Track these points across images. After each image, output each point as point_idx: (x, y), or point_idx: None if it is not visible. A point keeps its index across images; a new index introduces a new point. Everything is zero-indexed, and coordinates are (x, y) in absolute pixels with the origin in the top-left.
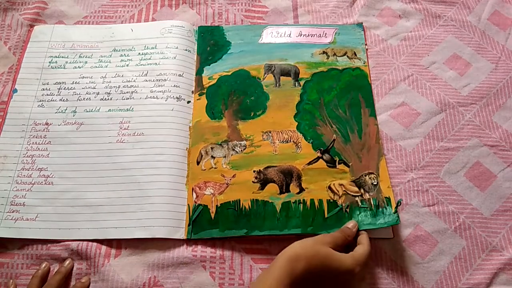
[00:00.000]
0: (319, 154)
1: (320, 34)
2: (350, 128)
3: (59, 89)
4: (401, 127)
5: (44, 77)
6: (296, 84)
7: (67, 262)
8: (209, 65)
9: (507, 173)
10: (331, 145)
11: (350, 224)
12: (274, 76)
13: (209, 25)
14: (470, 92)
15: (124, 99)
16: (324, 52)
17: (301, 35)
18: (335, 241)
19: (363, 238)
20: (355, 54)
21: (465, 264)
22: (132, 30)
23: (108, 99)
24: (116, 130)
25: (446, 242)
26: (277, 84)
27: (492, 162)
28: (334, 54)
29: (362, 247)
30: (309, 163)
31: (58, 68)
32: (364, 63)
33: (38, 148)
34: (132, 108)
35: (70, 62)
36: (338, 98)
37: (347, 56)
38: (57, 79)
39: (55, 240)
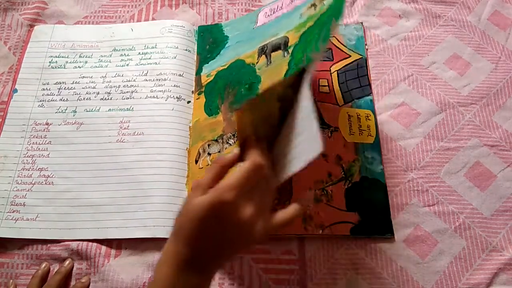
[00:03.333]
0: None
1: None
2: None
3: (59, 89)
4: (401, 127)
5: (44, 77)
6: (285, 54)
7: (67, 262)
8: (208, 63)
9: (507, 173)
10: None
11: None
12: (266, 56)
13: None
14: (470, 92)
15: (124, 98)
16: (312, 5)
17: (292, 2)
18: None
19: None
20: None
21: (465, 264)
22: (132, 30)
23: (108, 99)
24: (116, 129)
25: (446, 242)
26: (268, 63)
27: (492, 162)
28: (321, 0)
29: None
30: None
31: (58, 68)
32: None
33: (39, 148)
34: (132, 108)
35: (70, 62)
36: (316, 42)
37: None
38: (57, 79)
39: (55, 240)
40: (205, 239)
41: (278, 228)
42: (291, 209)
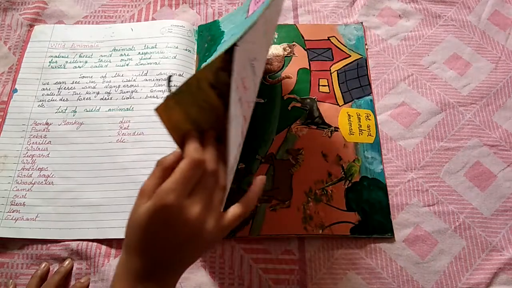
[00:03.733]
0: None
1: None
2: None
3: (59, 89)
4: (401, 127)
5: (44, 77)
6: None
7: (66, 262)
8: (206, 61)
9: (507, 173)
10: None
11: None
12: None
13: None
14: (470, 92)
15: (124, 98)
16: None
17: None
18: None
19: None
20: None
21: (465, 264)
22: (132, 30)
23: (108, 99)
24: (116, 129)
25: (446, 242)
26: None
27: (492, 162)
28: None
29: (237, 208)
30: None
31: (58, 68)
32: None
33: (38, 148)
34: (132, 108)
35: (70, 62)
36: None
37: None
38: (57, 79)
39: (55, 240)
40: (156, 247)
41: (232, 224)
42: (242, 205)
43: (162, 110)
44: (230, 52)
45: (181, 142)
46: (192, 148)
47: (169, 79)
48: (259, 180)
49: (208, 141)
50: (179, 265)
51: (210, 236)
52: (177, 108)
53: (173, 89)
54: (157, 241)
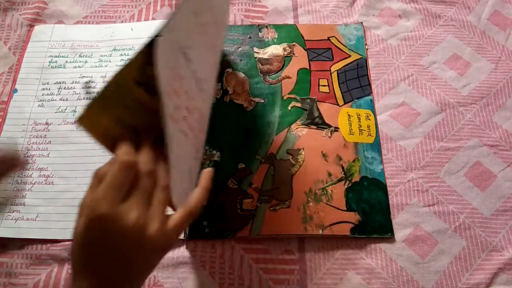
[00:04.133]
0: None
1: None
2: None
3: (59, 88)
4: (401, 127)
5: (44, 77)
6: None
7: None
8: None
9: (507, 173)
10: None
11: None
12: None
13: None
14: (470, 92)
15: None
16: None
17: None
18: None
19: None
20: None
21: (465, 264)
22: (132, 30)
23: None
24: None
25: (446, 242)
26: None
27: (492, 162)
28: None
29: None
30: None
31: (58, 67)
32: None
33: (38, 148)
34: None
35: (70, 62)
36: None
37: None
38: (57, 78)
39: (55, 240)
40: (99, 264)
41: (179, 225)
42: (190, 203)
43: (86, 120)
44: (152, 45)
45: (111, 148)
46: (122, 151)
47: (86, 86)
48: (206, 174)
49: (144, 141)
50: (131, 279)
51: (155, 242)
52: (103, 113)
53: (93, 95)
54: (98, 257)
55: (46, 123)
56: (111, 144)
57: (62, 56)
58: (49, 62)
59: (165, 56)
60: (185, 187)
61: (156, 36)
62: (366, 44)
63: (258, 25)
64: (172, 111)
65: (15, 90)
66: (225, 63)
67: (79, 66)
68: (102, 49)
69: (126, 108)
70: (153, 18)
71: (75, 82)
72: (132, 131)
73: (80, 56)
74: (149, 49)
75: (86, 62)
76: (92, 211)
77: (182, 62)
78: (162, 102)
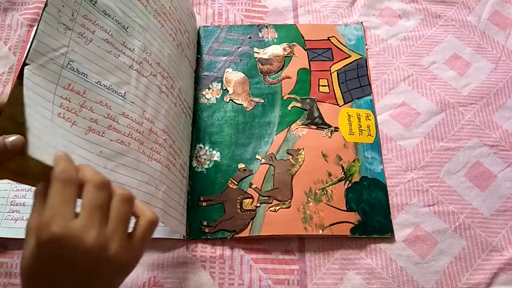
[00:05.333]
0: None
1: None
2: None
3: None
4: (401, 127)
5: None
6: None
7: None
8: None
9: (507, 173)
10: None
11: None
12: None
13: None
14: (470, 92)
15: None
16: None
17: None
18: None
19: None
20: None
21: (465, 264)
22: None
23: None
24: None
25: (446, 242)
26: None
27: (492, 162)
28: None
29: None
30: None
31: None
32: None
33: None
34: None
35: None
36: None
37: None
38: None
39: None
40: None
41: (146, 238)
42: (146, 219)
43: (19, 175)
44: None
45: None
46: (58, 169)
47: None
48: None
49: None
50: None
51: (118, 261)
52: (22, 161)
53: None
54: (51, 283)
55: None
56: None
57: None
58: None
59: (42, 80)
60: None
61: (24, 64)
62: (366, 44)
63: (258, 25)
64: (92, 125)
65: None
66: (225, 63)
67: None
68: None
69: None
70: None
71: None
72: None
73: None
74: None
75: None
76: (41, 232)
77: (74, 78)
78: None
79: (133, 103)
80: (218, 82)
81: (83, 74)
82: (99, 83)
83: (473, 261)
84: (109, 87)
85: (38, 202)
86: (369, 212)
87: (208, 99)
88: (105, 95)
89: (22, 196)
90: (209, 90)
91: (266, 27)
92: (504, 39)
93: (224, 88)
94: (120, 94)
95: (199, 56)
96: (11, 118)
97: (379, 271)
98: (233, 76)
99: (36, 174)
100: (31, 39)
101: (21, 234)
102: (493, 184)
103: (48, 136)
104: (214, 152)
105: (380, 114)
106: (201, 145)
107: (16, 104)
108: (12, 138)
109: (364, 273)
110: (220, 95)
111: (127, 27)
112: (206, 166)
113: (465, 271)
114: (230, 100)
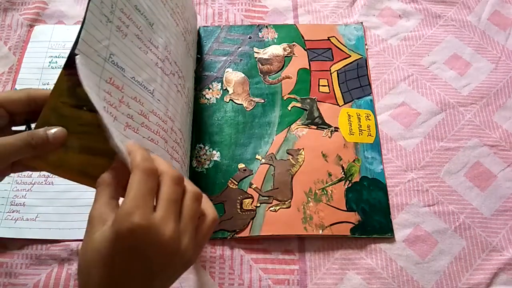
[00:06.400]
0: None
1: None
2: None
3: None
4: (401, 127)
5: (44, 77)
6: None
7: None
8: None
9: (507, 173)
10: None
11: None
12: None
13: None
14: (470, 92)
15: None
16: None
17: None
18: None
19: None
20: None
21: (465, 264)
22: None
23: None
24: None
25: (446, 242)
26: None
27: (492, 162)
28: None
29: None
30: None
31: (58, 68)
32: None
33: None
34: None
35: None
36: None
37: None
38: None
39: (55, 240)
40: (123, 283)
41: (208, 236)
42: (210, 217)
43: (55, 169)
44: (70, 65)
45: (93, 183)
46: (140, 158)
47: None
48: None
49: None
50: None
51: (187, 256)
52: (66, 154)
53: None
54: (124, 274)
55: None
56: (90, 179)
57: (63, 57)
58: (49, 62)
59: (89, 72)
60: None
61: (72, 54)
62: (366, 44)
63: (258, 25)
64: (129, 121)
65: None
66: (225, 63)
67: None
68: None
69: (78, 135)
70: None
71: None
72: (106, 152)
73: None
74: (70, 70)
75: None
76: (122, 222)
77: (115, 72)
78: (100, 117)
79: (159, 101)
80: (218, 82)
81: (121, 69)
82: (133, 78)
83: (473, 261)
84: (141, 83)
85: (108, 190)
86: (369, 212)
87: (208, 99)
88: (138, 91)
89: (22, 196)
90: (209, 90)
91: (266, 27)
92: (504, 39)
93: (224, 88)
94: (149, 91)
95: (199, 56)
96: (54, 109)
97: (379, 271)
98: (233, 76)
99: (73, 167)
100: (78, 30)
101: (21, 234)
102: (493, 184)
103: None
104: (214, 152)
105: (380, 114)
106: (201, 145)
107: (60, 95)
108: (54, 130)
109: (364, 273)
110: (220, 95)
111: (153, 24)
112: (206, 166)
113: (465, 271)
114: (230, 100)
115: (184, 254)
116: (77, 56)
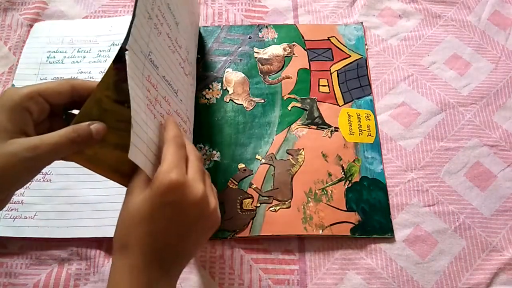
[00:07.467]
0: None
1: None
2: None
3: None
4: (401, 127)
5: (42, 72)
6: None
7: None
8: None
9: (507, 173)
10: None
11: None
12: None
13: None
14: (470, 92)
15: None
16: None
17: None
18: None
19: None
20: None
21: (465, 264)
22: None
23: None
24: None
25: (446, 242)
26: None
27: (492, 162)
28: None
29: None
30: None
31: (56, 63)
32: None
33: None
34: None
35: (68, 57)
36: None
37: None
38: (55, 74)
39: (55, 239)
40: (163, 236)
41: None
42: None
43: (89, 163)
44: (120, 59)
45: (130, 171)
46: (174, 133)
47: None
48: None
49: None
50: (187, 252)
51: (213, 217)
52: (102, 149)
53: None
54: (163, 229)
55: None
56: (121, 176)
57: (60, 52)
58: (47, 57)
59: (135, 68)
60: None
61: (122, 50)
62: (366, 44)
63: (258, 25)
64: (162, 121)
65: (13, 86)
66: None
67: (77, 61)
68: (100, 44)
69: (116, 131)
70: None
71: (73, 78)
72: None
73: (78, 51)
74: (119, 65)
75: (84, 57)
76: (162, 179)
77: (152, 70)
78: (132, 118)
79: (181, 101)
80: (218, 82)
81: (156, 67)
82: (164, 77)
83: (473, 261)
84: (169, 83)
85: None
86: (369, 212)
87: (208, 99)
88: (167, 91)
89: (20, 193)
90: (209, 90)
91: (266, 27)
92: (504, 39)
93: (224, 88)
94: (175, 91)
95: (199, 56)
96: (98, 102)
97: (379, 271)
98: (233, 76)
99: (106, 163)
100: (128, 26)
101: (19, 233)
102: (493, 184)
103: (144, 124)
104: (214, 152)
105: (380, 114)
106: (201, 145)
107: (106, 89)
108: (96, 124)
109: (364, 273)
110: (220, 95)
111: (179, 24)
112: (206, 166)
113: (465, 271)
114: (230, 100)
115: (211, 215)
116: (126, 52)
